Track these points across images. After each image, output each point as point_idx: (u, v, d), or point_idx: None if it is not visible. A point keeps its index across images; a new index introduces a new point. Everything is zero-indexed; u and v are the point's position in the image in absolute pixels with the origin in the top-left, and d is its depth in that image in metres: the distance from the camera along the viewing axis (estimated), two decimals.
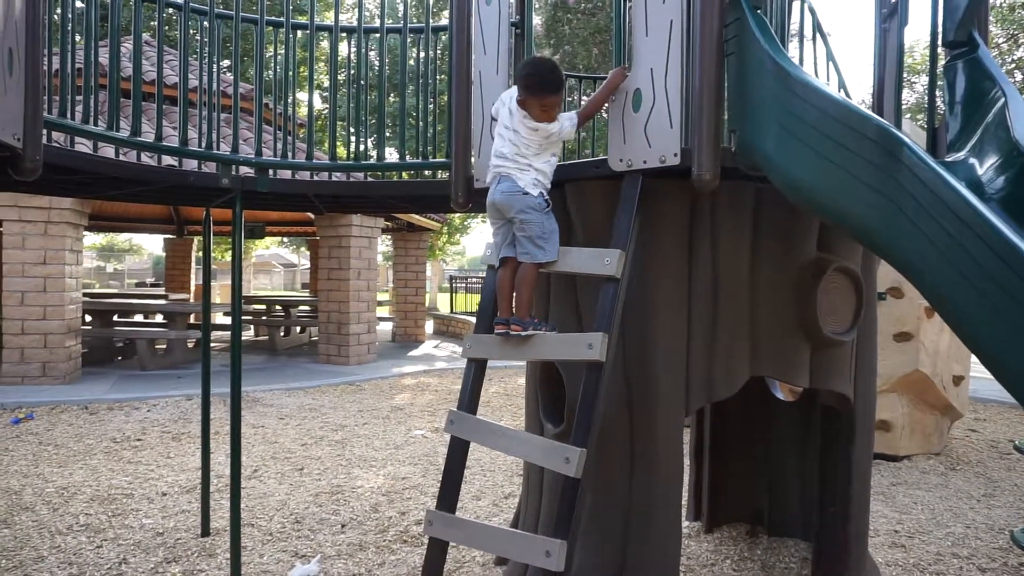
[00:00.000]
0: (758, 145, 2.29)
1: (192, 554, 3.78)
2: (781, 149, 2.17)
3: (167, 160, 3.55)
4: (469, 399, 2.58)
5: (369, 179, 4.03)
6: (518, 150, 2.52)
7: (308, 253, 22.44)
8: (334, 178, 3.95)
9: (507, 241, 2.61)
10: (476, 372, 2.63)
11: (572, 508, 2.23)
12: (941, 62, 2.64)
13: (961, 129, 2.44)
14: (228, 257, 24.09)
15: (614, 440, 2.70)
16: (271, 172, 3.47)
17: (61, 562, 3.65)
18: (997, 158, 2.18)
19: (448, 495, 2.51)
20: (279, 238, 29.62)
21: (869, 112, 2.05)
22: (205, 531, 4.05)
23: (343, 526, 4.22)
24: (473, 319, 2.89)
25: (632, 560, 2.70)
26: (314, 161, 3.58)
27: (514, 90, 2.58)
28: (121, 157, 3.45)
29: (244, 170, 3.42)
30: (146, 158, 3.53)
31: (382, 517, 4.37)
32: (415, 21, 3.77)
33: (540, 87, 2.49)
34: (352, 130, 3.58)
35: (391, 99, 11.44)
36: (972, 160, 2.25)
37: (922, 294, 1.95)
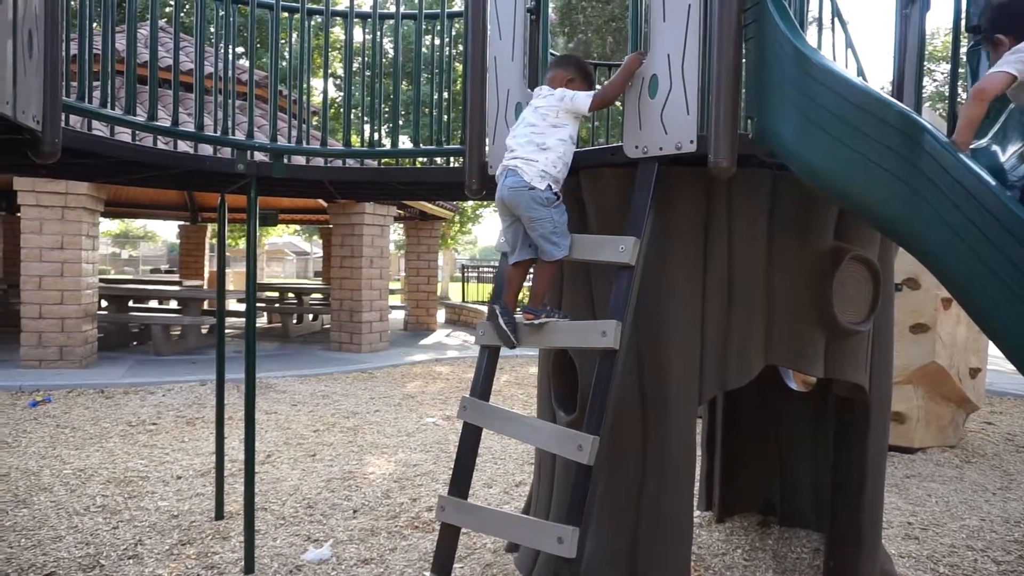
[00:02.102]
0: (776, 131, 2.27)
1: (206, 536, 3.82)
2: (800, 136, 2.15)
3: (182, 147, 3.56)
4: (482, 386, 2.59)
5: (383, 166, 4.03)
6: (535, 128, 2.54)
7: (321, 241, 22.51)
8: (348, 165, 3.96)
9: (520, 240, 2.58)
10: (489, 359, 2.63)
11: (584, 495, 2.24)
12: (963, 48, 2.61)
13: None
14: (242, 244, 24.20)
15: (626, 428, 2.69)
16: (286, 158, 3.48)
17: (78, 542, 3.70)
18: (1020, 145, 2.15)
19: (460, 481, 2.52)
20: (292, 226, 29.73)
21: (890, 98, 2.02)
22: (219, 514, 4.10)
23: (355, 511, 4.25)
24: (485, 308, 2.90)
25: (643, 548, 2.70)
26: (328, 147, 3.58)
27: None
28: (137, 143, 3.47)
29: (259, 156, 3.43)
30: (162, 144, 3.55)
31: (393, 503, 4.40)
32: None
33: (569, 62, 2.75)
34: (366, 117, 3.58)
35: (405, 86, 11.41)
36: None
37: (941, 282, 1.93)
